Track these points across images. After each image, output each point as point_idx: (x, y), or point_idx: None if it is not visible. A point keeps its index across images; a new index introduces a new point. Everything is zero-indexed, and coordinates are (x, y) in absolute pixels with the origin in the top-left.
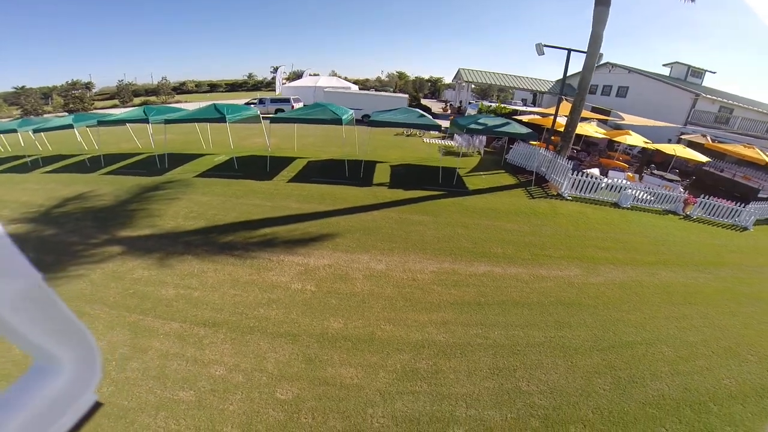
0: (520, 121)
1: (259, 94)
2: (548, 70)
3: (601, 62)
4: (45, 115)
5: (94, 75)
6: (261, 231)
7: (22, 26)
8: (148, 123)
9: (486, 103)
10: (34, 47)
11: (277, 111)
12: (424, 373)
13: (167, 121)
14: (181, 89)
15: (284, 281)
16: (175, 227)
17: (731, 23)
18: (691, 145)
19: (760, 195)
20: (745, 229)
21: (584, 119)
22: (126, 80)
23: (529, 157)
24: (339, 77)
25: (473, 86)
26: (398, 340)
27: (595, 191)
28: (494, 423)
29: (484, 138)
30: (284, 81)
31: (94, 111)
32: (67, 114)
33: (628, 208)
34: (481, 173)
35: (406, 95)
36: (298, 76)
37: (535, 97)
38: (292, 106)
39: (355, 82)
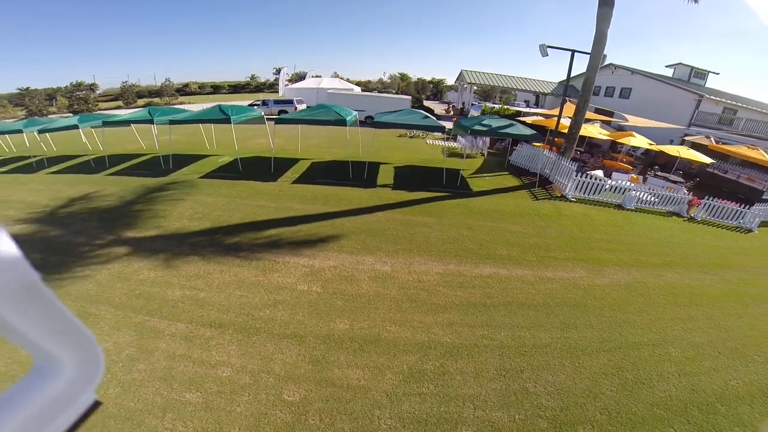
0: (523, 123)
1: (261, 96)
2: (550, 71)
3: (605, 63)
4: (50, 116)
5: (98, 76)
6: (266, 232)
7: (26, 27)
8: (152, 124)
9: (489, 104)
10: (38, 49)
11: (280, 112)
12: (431, 374)
13: (172, 122)
14: (184, 91)
15: (290, 282)
16: (180, 228)
17: (733, 24)
18: (695, 146)
19: (764, 197)
20: (750, 231)
21: (587, 120)
22: (129, 82)
23: (533, 159)
24: (341, 79)
25: (475, 88)
26: (404, 342)
27: (599, 193)
28: (502, 424)
29: (487, 139)
30: (287, 83)
31: (99, 112)
32: (71, 115)
33: (632, 210)
34: (485, 175)
35: (409, 97)
36: (300, 77)
37: (538, 99)
38: (295, 108)
39: (357, 84)
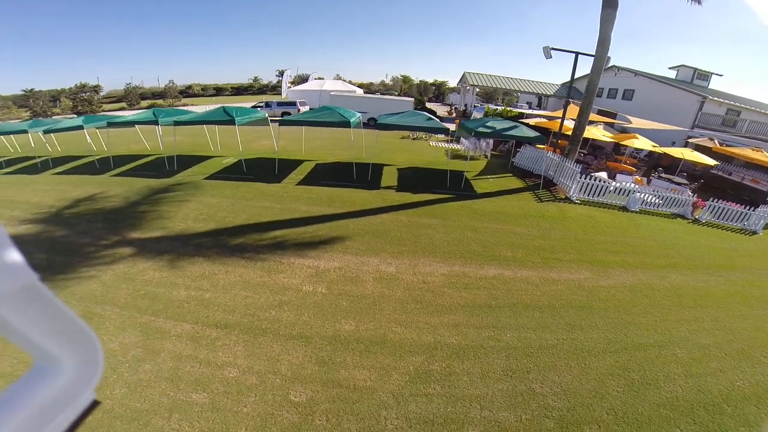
0: (526, 125)
1: (264, 98)
2: (550, 73)
3: (608, 65)
4: (54, 117)
5: (101, 78)
6: (271, 233)
7: (28, 28)
8: (157, 125)
9: (492, 106)
10: (42, 50)
11: (283, 114)
12: (438, 375)
13: (177, 123)
14: (187, 92)
15: (295, 283)
16: (185, 229)
17: (735, 25)
18: (699, 148)
19: None
20: (755, 232)
21: (591, 122)
22: (133, 83)
23: (537, 161)
24: (344, 81)
25: (478, 90)
26: (410, 343)
27: (603, 195)
28: (509, 424)
29: (491, 141)
30: (290, 85)
31: (103, 113)
32: (75, 116)
33: (636, 212)
34: (489, 177)
35: (412, 99)
36: (303, 79)
37: (540, 101)
38: (299, 110)
39: (360, 86)
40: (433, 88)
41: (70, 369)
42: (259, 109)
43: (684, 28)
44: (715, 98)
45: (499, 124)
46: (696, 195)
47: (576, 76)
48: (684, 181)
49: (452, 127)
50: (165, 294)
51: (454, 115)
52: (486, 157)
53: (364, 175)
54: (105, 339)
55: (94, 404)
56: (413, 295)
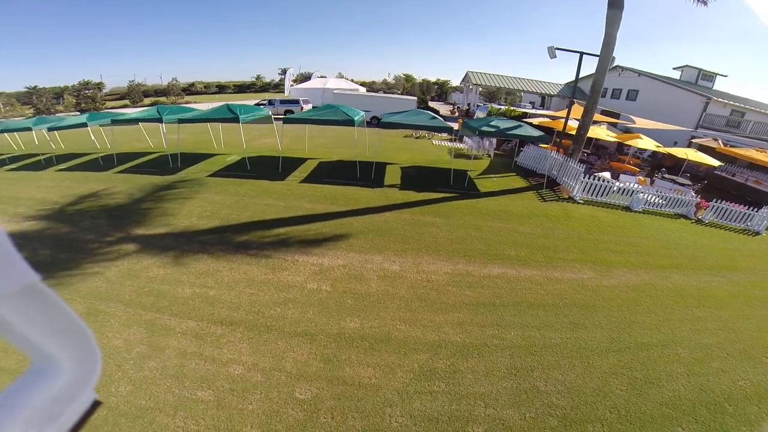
0: (530, 124)
1: (267, 96)
2: (551, 72)
3: (613, 65)
4: (57, 115)
5: (104, 76)
6: (275, 231)
7: (31, 27)
8: (161, 122)
9: (495, 105)
10: (45, 48)
11: (286, 112)
12: (442, 372)
13: (181, 121)
14: (189, 90)
15: (299, 281)
16: (189, 226)
17: (742, 25)
18: (703, 148)
19: None
20: (758, 233)
21: (595, 122)
22: (136, 81)
23: (540, 160)
24: (346, 79)
25: (481, 89)
26: (415, 340)
27: (607, 195)
28: (513, 422)
29: (494, 141)
30: (292, 83)
31: (106, 110)
32: (79, 113)
33: (639, 212)
34: (492, 176)
35: (415, 98)
36: (305, 78)
37: (544, 100)
38: (302, 108)
39: (362, 84)
40: (436, 87)
41: (69, 369)
42: (262, 107)
43: (689, 29)
44: (719, 99)
45: (503, 124)
46: (699, 195)
47: (580, 76)
48: (687, 181)
49: (455, 126)
50: (169, 291)
51: (456, 114)
52: (489, 156)
53: (368, 174)
54: (110, 336)
55: (96, 404)
56: (417, 293)
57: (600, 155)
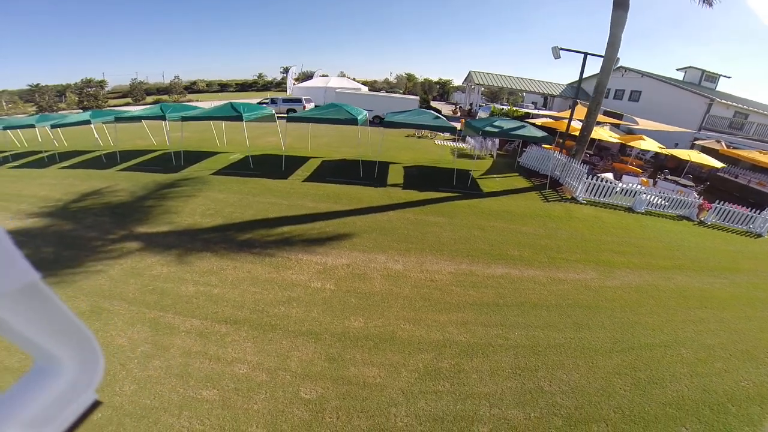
0: (533, 125)
1: (269, 94)
2: (550, 73)
3: (616, 66)
4: (60, 112)
5: (106, 74)
6: (278, 229)
7: (32, 26)
8: (164, 120)
9: (498, 105)
10: (47, 46)
11: (288, 111)
12: (447, 372)
13: (184, 119)
14: (192, 88)
15: (303, 280)
16: (192, 224)
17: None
18: (705, 150)
19: None
20: (760, 235)
21: (598, 123)
22: (138, 79)
23: (543, 161)
24: (348, 78)
25: (483, 89)
26: (419, 340)
27: (610, 196)
28: (518, 422)
29: (497, 141)
30: (295, 81)
31: (108, 108)
32: (81, 111)
33: (642, 213)
34: (495, 176)
35: (417, 97)
36: (307, 76)
37: (546, 101)
38: (304, 107)
39: (364, 83)
40: (438, 86)
41: (71, 369)
42: (265, 105)
43: (694, 30)
44: (722, 101)
45: (507, 124)
46: (702, 197)
47: (584, 76)
48: (690, 183)
49: (457, 126)
50: (173, 289)
51: (458, 114)
52: (492, 156)
53: (371, 173)
54: (114, 334)
55: (96, 404)
56: (421, 293)
57: (602, 156)
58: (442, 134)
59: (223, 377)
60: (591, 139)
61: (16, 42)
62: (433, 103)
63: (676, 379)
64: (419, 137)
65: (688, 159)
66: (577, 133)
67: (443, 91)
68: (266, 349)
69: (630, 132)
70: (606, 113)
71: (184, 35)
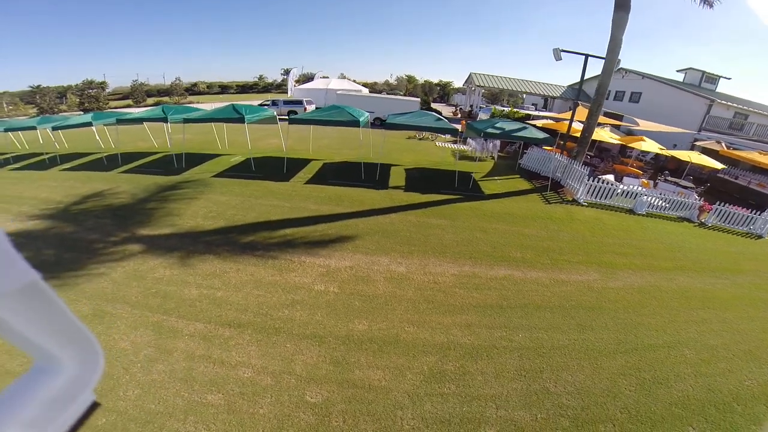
0: (534, 126)
1: (270, 96)
2: (550, 74)
3: (617, 67)
4: (61, 114)
5: (107, 75)
6: (281, 232)
7: (31, 26)
8: (166, 122)
9: (498, 107)
10: (47, 47)
11: (289, 113)
12: (452, 374)
13: (186, 121)
14: (192, 90)
15: (307, 282)
16: (194, 227)
17: (744, 27)
18: (706, 151)
19: None
20: (760, 236)
21: (598, 125)
22: (139, 80)
23: (544, 163)
24: (349, 80)
25: (483, 90)
26: (423, 342)
27: (611, 197)
28: (525, 423)
29: (498, 142)
30: (295, 83)
31: (109, 110)
32: (82, 113)
33: (643, 215)
34: (496, 178)
35: (418, 99)
36: (308, 78)
37: (546, 102)
38: (305, 108)
39: (364, 85)
40: (438, 88)
41: (70, 369)
42: (266, 107)
43: (694, 30)
44: (722, 101)
45: (509, 126)
46: (702, 198)
47: (585, 78)
48: (690, 184)
49: (458, 127)
50: (176, 292)
51: (459, 115)
52: (493, 158)
53: (372, 175)
54: (116, 338)
55: (94, 406)
56: (424, 295)
57: (603, 158)
58: (443, 136)
59: (228, 381)
60: (592, 140)
61: (16, 42)
62: (433, 105)
63: (681, 379)
64: (420, 139)
65: (689, 160)
66: (577, 135)
67: (443, 92)
68: (270, 352)
69: (630, 133)
70: (606, 114)
71: (184, 35)
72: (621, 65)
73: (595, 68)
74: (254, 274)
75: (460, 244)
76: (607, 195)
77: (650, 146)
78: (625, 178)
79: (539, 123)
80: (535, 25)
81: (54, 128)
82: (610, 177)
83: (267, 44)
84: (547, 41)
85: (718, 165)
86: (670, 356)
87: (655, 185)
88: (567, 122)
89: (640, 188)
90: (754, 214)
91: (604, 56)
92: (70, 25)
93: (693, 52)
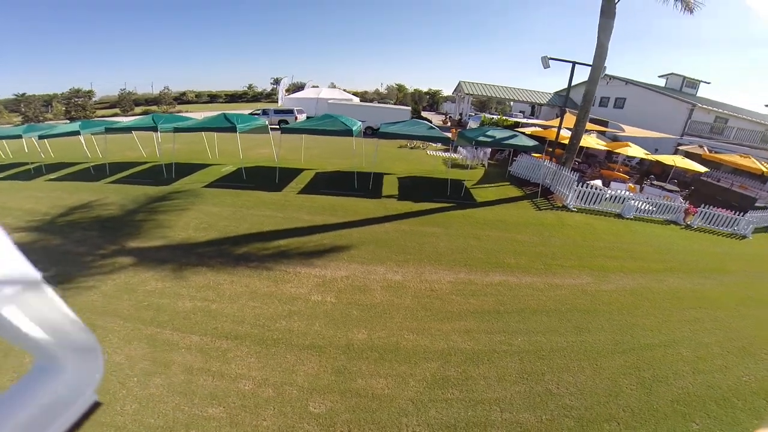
0: (523, 134)
1: (260, 105)
2: (537, 82)
3: (603, 74)
4: (47, 122)
5: (95, 83)
6: (275, 242)
7: (20, 33)
8: (156, 131)
9: (488, 115)
10: (33, 55)
11: (280, 122)
12: (454, 380)
13: (177, 130)
14: (181, 99)
15: (303, 293)
16: (186, 238)
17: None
18: (689, 155)
19: (757, 204)
20: (744, 237)
21: (585, 131)
22: (127, 89)
23: (533, 169)
24: (339, 89)
25: (472, 98)
26: (424, 349)
27: (599, 202)
28: (530, 425)
29: (488, 150)
30: (286, 93)
31: (96, 119)
32: (68, 121)
33: (631, 219)
34: (487, 185)
35: (409, 107)
36: (298, 87)
37: (534, 109)
38: (296, 118)
39: (354, 94)
40: (427, 96)
41: (71, 369)
42: (256, 116)
43: (675, 36)
44: (703, 106)
45: (499, 134)
46: (687, 201)
47: (572, 84)
48: (675, 188)
49: (449, 136)
50: (169, 305)
51: (449, 124)
52: (484, 166)
53: (365, 184)
54: (110, 351)
55: (96, 405)
56: (422, 303)
57: (590, 163)
58: (434, 144)
59: (229, 394)
60: (579, 147)
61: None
62: (423, 114)
63: (680, 376)
64: (411, 148)
65: (673, 164)
66: (565, 142)
67: (433, 101)
68: (270, 364)
69: (615, 139)
70: (592, 120)
71: (173, 44)
72: (606, 71)
73: (582, 75)
74: (249, 286)
75: (455, 252)
76: (595, 200)
77: (635, 151)
78: (612, 183)
79: (528, 130)
80: (525, 33)
81: (40, 137)
82: (598, 182)
83: (256, 52)
84: (534, 50)
85: (702, 168)
86: (667, 355)
87: (642, 189)
88: (555, 129)
89: (627, 193)
90: (738, 215)
91: (591, 63)
92: (57, 33)
93: (674, 57)
